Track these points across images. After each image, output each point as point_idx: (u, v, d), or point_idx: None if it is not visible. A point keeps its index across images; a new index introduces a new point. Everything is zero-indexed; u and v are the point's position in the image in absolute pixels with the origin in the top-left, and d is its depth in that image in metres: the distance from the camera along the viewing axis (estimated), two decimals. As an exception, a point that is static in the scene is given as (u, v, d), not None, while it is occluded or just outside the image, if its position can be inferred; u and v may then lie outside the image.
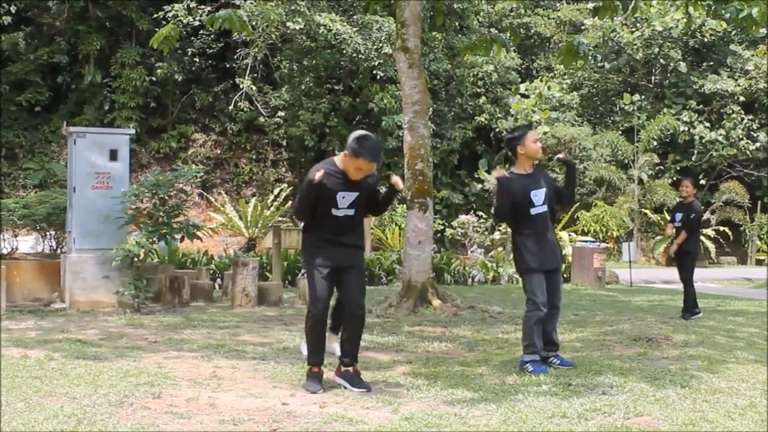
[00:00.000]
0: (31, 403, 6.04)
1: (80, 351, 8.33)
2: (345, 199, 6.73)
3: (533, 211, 7.70)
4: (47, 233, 14.90)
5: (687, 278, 12.63)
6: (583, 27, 32.68)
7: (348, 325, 6.88)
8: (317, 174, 6.55)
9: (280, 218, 25.14)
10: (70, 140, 12.42)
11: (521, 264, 7.79)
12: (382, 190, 7.18)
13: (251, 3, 25.62)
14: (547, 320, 7.78)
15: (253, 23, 24.96)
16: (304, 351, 7.59)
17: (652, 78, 33.31)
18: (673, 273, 24.23)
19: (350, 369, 6.87)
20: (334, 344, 7.63)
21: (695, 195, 12.94)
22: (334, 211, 6.73)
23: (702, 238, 28.65)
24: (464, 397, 6.54)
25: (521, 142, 7.80)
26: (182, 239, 12.84)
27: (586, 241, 22.96)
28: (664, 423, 5.86)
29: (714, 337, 10.35)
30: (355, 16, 27.84)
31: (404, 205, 14.79)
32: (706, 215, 29.82)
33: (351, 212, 6.78)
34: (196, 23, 26.27)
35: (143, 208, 12.55)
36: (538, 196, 7.72)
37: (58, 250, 14.59)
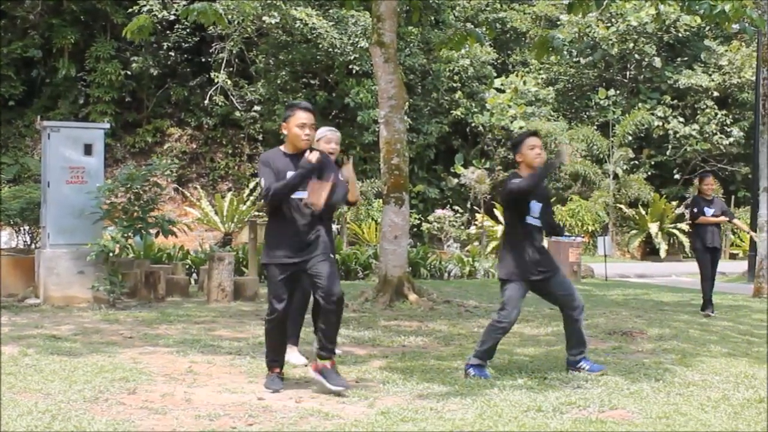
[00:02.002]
0: (4, 400, 6.00)
1: (54, 347, 8.29)
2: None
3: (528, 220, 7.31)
4: (21, 228, 14.80)
5: (713, 274, 12.83)
6: (558, 22, 32.77)
7: (323, 316, 6.62)
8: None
9: (256, 213, 25.07)
10: (44, 135, 12.32)
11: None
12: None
13: (227, -4, 25.52)
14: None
15: (229, 17, 24.85)
16: (293, 359, 7.62)
17: (627, 73, 33.45)
18: (647, 267, 24.41)
19: (327, 363, 6.60)
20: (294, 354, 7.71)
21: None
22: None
23: (676, 232, 28.89)
24: (440, 391, 6.56)
25: (519, 150, 7.35)
26: (157, 234, 12.79)
27: (561, 236, 23.05)
28: (639, 416, 5.91)
29: (688, 330, 10.44)
30: (331, 11, 27.80)
31: (380, 200, 14.79)
32: (680, 209, 30.05)
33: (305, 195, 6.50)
34: (172, 17, 26.14)
35: (118, 202, 12.49)
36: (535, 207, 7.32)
37: (33, 246, 14.50)
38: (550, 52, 14.76)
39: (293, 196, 6.49)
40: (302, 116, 6.53)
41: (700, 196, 12.95)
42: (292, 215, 6.50)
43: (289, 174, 6.46)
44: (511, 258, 7.27)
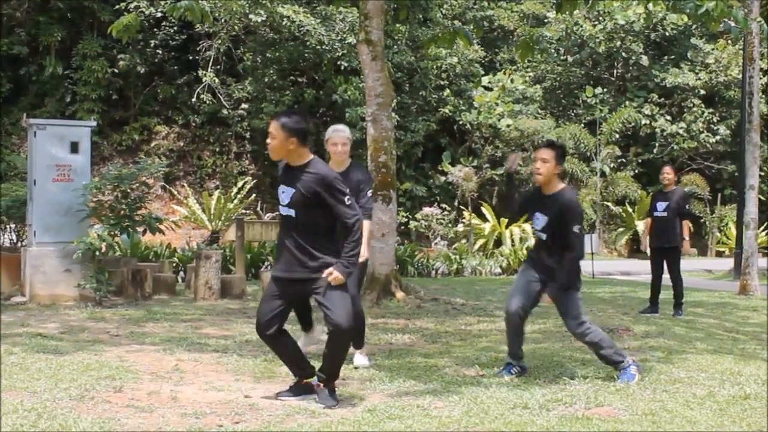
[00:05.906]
0: (-10, 398, 5.98)
1: (41, 345, 8.27)
2: (284, 194, 6.07)
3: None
4: (7, 226, 14.75)
5: (677, 273, 12.22)
6: (546, 20, 32.82)
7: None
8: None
9: (244, 211, 25.05)
10: (30, 132, 12.28)
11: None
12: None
13: (214, -6, 25.47)
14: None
15: (216, 14, 24.80)
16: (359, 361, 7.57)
17: (615, 71, 33.53)
18: (634, 264, 24.48)
19: (321, 384, 6.11)
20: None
21: (676, 183, 12.69)
22: (281, 209, 6.15)
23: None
24: (427, 389, 6.57)
25: None
26: (144, 232, 12.77)
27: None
28: (625, 413, 5.93)
29: (673, 328, 10.48)
30: (318, 8, 27.78)
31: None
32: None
33: (291, 213, 6.01)
34: (159, 15, 26.07)
35: (105, 201, 12.46)
36: (539, 219, 7.22)
37: (19, 244, 14.46)
38: (536, 52, 14.77)
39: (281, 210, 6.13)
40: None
41: (659, 191, 12.58)
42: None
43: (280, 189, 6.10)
44: None
